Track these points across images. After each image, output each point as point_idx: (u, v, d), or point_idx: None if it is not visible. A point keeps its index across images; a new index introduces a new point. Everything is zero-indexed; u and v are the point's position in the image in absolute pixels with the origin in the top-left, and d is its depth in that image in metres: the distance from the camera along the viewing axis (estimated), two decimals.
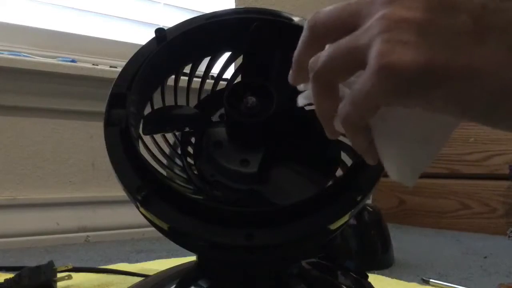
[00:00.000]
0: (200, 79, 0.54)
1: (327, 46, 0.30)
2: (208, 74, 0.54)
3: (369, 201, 0.94)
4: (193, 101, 0.54)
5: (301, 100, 0.36)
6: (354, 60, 0.27)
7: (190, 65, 0.53)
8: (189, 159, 0.50)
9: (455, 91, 0.25)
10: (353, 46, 0.27)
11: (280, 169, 0.46)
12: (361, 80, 0.26)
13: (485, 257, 0.99)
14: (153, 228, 0.43)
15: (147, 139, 0.48)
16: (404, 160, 0.28)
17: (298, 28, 0.52)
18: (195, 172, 0.49)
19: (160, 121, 0.49)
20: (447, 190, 1.46)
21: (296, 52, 0.33)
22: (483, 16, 0.25)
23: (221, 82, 0.55)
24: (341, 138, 0.49)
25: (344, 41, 0.28)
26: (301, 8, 1.64)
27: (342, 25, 0.29)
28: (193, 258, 0.50)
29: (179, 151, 0.51)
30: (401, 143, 0.28)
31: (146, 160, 0.43)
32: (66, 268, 0.66)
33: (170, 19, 1.36)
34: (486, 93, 0.25)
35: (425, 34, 0.25)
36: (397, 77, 0.25)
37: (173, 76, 0.52)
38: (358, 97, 0.27)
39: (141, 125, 0.47)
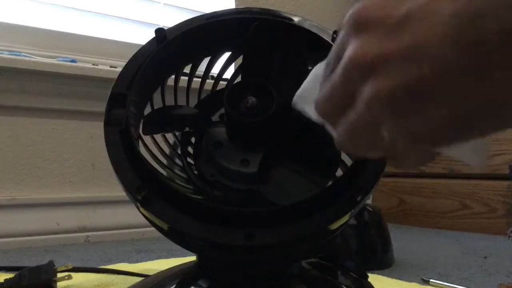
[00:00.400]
0: (200, 79, 0.54)
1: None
2: (208, 74, 0.54)
3: (369, 201, 0.94)
4: (193, 101, 0.54)
5: (300, 105, 0.35)
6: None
7: (190, 65, 0.53)
8: (189, 159, 0.50)
9: None
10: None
11: (280, 169, 0.46)
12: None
13: (485, 257, 0.99)
14: (153, 228, 0.43)
15: (147, 139, 0.48)
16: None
17: (298, 28, 0.52)
18: (195, 172, 0.49)
19: (160, 121, 0.49)
20: (447, 190, 1.46)
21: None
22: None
23: (221, 82, 0.55)
24: None
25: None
26: (301, 8, 1.64)
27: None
28: (193, 258, 0.50)
29: (179, 151, 0.51)
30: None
31: (146, 160, 0.43)
32: (66, 268, 0.66)
33: (170, 19, 1.36)
34: None
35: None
36: None
37: (173, 76, 0.52)
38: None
39: (141, 125, 0.47)
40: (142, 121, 0.48)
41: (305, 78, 0.50)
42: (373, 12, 0.26)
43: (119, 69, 0.48)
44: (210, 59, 0.54)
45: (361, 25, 0.27)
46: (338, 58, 0.29)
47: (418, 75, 0.24)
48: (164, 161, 0.51)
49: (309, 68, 0.52)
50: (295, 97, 0.37)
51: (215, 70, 0.56)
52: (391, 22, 0.25)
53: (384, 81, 0.25)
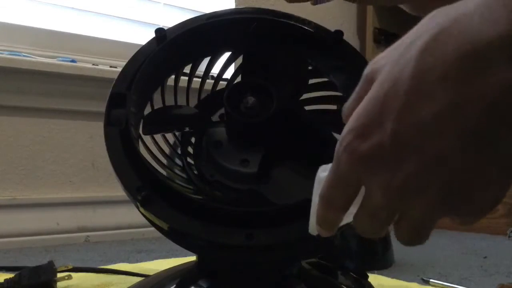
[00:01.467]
0: (200, 79, 0.54)
1: None
2: (208, 74, 0.54)
3: None
4: (193, 101, 0.54)
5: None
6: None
7: (190, 65, 0.53)
8: (189, 159, 0.50)
9: None
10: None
11: (280, 169, 0.46)
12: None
13: (485, 257, 0.99)
14: (153, 228, 0.43)
15: (147, 139, 0.48)
16: None
17: (298, 28, 0.52)
18: (195, 172, 0.49)
19: (160, 121, 0.49)
20: None
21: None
22: None
23: (221, 82, 0.55)
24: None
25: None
26: (301, 8, 1.64)
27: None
28: (193, 258, 0.50)
29: (179, 151, 0.51)
30: None
31: (146, 160, 0.43)
32: (66, 268, 0.66)
33: (170, 19, 1.36)
34: None
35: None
36: None
37: (173, 76, 0.52)
38: None
39: (141, 125, 0.47)
40: (142, 121, 0.48)
41: (304, 78, 0.50)
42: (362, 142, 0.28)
43: (119, 69, 0.48)
44: (210, 59, 0.54)
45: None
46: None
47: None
48: (164, 161, 0.51)
49: (309, 68, 0.52)
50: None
51: (215, 70, 0.56)
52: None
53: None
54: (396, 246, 0.93)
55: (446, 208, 0.27)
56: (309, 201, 0.40)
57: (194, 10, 1.43)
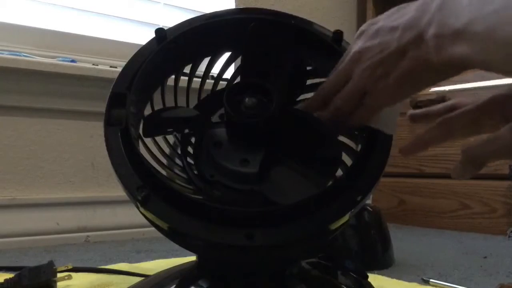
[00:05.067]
0: (200, 79, 0.54)
1: None
2: (208, 74, 0.54)
3: (369, 201, 0.94)
4: (193, 101, 0.54)
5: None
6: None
7: (190, 65, 0.53)
8: (189, 159, 0.50)
9: None
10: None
11: (280, 169, 0.46)
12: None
13: (485, 257, 0.99)
14: (153, 228, 0.43)
15: (147, 139, 0.48)
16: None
17: (297, 28, 0.52)
18: (195, 172, 0.49)
19: (160, 124, 0.49)
20: (447, 190, 1.46)
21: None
22: None
23: (221, 82, 0.55)
24: (341, 138, 0.49)
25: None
26: (301, 8, 1.64)
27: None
28: (193, 258, 0.50)
29: (179, 151, 0.51)
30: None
31: (146, 160, 0.43)
32: (66, 268, 0.66)
33: (170, 19, 1.36)
34: None
35: None
36: None
37: (173, 76, 0.52)
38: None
39: (141, 126, 0.47)
40: (142, 121, 0.48)
41: (304, 78, 0.50)
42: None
43: (119, 69, 0.48)
44: (210, 59, 0.54)
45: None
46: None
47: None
48: (164, 161, 0.51)
49: (309, 68, 0.52)
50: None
51: (215, 70, 0.56)
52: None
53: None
54: (396, 246, 0.93)
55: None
56: (308, 201, 0.40)
57: (194, 10, 1.43)
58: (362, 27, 0.44)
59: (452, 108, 0.51)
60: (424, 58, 0.38)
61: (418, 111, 0.56)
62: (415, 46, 0.39)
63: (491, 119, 0.48)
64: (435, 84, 0.41)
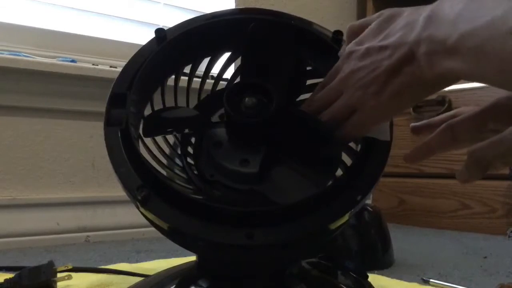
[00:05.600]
0: (200, 79, 0.54)
1: None
2: (208, 74, 0.54)
3: (369, 201, 0.94)
4: (193, 101, 0.54)
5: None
6: None
7: (190, 65, 0.53)
8: (189, 159, 0.50)
9: None
10: None
11: (280, 169, 0.46)
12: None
13: (485, 257, 0.99)
14: (153, 228, 0.43)
15: (147, 139, 0.48)
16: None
17: (297, 28, 0.52)
18: (195, 172, 0.49)
19: (160, 124, 0.49)
20: (447, 190, 1.46)
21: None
22: None
23: (221, 82, 0.55)
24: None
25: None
26: (301, 8, 1.64)
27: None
28: (193, 258, 0.50)
29: (179, 151, 0.51)
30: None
31: (146, 160, 0.43)
32: (66, 268, 0.66)
33: (170, 19, 1.36)
34: None
35: None
36: None
37: (173, 76, 0.52)
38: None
39: (141, 126, 0.47)
40: (142, 121, 0.48)
41: (304, 78, 0.50)
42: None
43: (119, 69, 0.48)
44: (210, 59, 0.54)
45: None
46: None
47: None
48: (164, 161, 0.51)
49: (309, 68, 0.52)
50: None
51: (215, 70, 0.56)
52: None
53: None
54: (396, 246, 0.93)
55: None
56: (308, 201, 0.40)
57: (194, 10, 1.43)
58: (348, 48, 0.44)
59: (454, 117, 0.51)
60: (417, 74, 0.39)
61: (419, 123, 0.56)
62: (408, 63, 0.39)
63: (496, 123, 0.48)
64: (427, 97, 0.41)
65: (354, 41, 0.44)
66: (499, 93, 0.47)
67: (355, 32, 0.46)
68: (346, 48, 0.45)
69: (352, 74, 0.42)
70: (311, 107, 0.46)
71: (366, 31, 0.43)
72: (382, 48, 0.40)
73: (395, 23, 0.41)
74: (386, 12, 0.43)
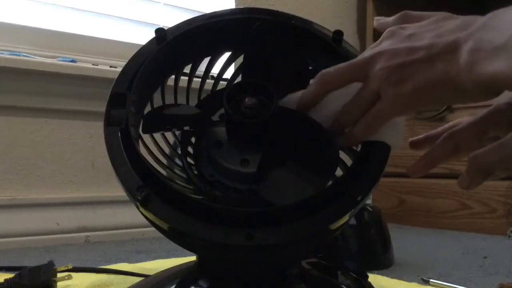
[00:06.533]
0: (200, 79, 0.54)
1: None
2: (208, 74, 0.54)
3: (369, 201, 0.94)
4: (193, 101, 0.54)
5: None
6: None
7: (190, 65, 0.53)
8: (189, 159, 0.50)
9: None
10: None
11: (280, 169, 0.46)
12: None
13: (485, 257, 0.99)
14: (153, 228, 0.43)
15: (147, 139, 0.48)
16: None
17: (298, 29, 0.52)
18: (195, 172, 0.49)
19: (160, 120, 0.49)
20: (447, 190, 1.46)
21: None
22: None
23: (221, 82, 0.55)
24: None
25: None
26: (301, 8, 1.64)
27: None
28: (193, 258, 0.50)
29: (179, 151, 0.51)
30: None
31: (146, 160, 0.43)
32: (66, 268, 0.66)
33: (170, 19, 1.36)
34: None
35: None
36: None
37: (173, 76, 0.52)
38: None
39: (141, 127, 0.47)
40: (142, 120, 0.48)
41: (304, 79, 0.50)
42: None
43: (119, 69, 0.48)
44: (210, 59, 0.54)
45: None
46: None
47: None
48: (164, 161, 0.51)
49: (309, 68, 0.52)
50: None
51: (215, 70, 0.56)
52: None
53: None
54: (396, 246, 0.93)
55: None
56: (308, 201, 0.40)
57: (194, 10, 1.43)
58: (391, 28, 0.41)
59: (453, 127, 0.50)
60: (452, 74, 0.36)
61: (418, 137, 0.54)
62: (446, 59, 0.36)
63: (496, 129, 0.48)
64: (453, 104, 0.39)
65: (401, 25, 0.41)
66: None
67: (408, 20, 0.43)
68: (389, 28, 0.41)
69: (382, 53, 0.39)
70: (324, 80, 0.43)
71: (421, 22, 0.40)
72: (425, 37, 0.37)
73: (452, 20, 0.38)
74: (444, 13, 0.40)
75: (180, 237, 0.42)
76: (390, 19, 0.46)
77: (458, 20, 0.38)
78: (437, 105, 0.40)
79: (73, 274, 0.66)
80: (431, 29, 0.38)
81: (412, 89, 0.38)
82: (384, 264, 0.88)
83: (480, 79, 0.34)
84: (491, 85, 0.34)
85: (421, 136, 0.54)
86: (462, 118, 0.51)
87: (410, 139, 0.54)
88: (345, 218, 0.42)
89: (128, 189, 0.41)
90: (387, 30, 0.41)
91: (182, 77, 0.52)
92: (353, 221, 0.85)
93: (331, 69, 0.43)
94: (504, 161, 0.42)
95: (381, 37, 0.42)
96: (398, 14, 0.45)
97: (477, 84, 0.34)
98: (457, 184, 0.46)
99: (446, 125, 0.51)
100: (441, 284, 0.74)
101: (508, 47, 0.32)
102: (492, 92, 0.35)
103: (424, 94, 0.38)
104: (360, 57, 0.42)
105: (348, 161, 0.47)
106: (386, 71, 0.38)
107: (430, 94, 0.38)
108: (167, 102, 0.51)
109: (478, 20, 0.36)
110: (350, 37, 1.71)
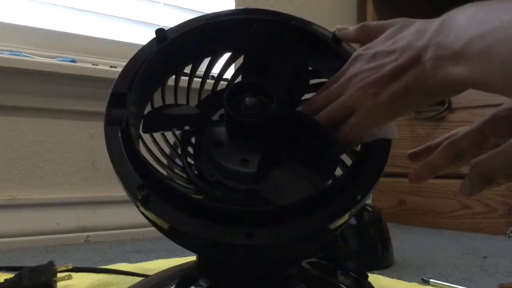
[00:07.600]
0: (200, 79, 0.54)
1: None
2: (209, 74, 0.55)
3: (369, 201, 0.94)
4: (193, 101, 0.54)
5: None
6: None
7: (190, 65, 0.53)
8: (189, 159, 0.50)
9: None
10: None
11: (280, 169, 0.46)
12: None
13: (485, 257, 0.99)
14: (153, 228, 0.43)
15: (147, 139, 0.48)
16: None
17: (298, 29, 0.52)
18: (195, 172, 0.49)
19: (160, 120, 0.49)
20: (447, 190, 1.46)
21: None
22: None
23: (221, 82, 0.55)
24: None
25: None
26: (301, 8, 1.64)
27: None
28: (193, 258, 0.50)
29: (179, 151, 0.51)
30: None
31: (147, 160, 0.43)
32: (66, 268, 0.66)
33: (170, 19, 1.36)
34: None
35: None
36: None
37: (173, 76, 0.52)
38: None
39: (141, 127, 0.48)
40: (142, 119, 0.48)
41: (304, 79, 0.50)
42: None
43: (119, 69, 0.48)
44: (210, 60, 0.54)
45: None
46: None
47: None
48: (164, 161, 0.51)
49: (309, 68, 0.52)
50: None
51: (215, 70, 0.56)
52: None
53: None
54: (396, 246, 0.93)
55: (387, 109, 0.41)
56: (308, 201, 0.40)
57: (194, 10, 1.43)
58: (357, 52, 0.45)
59: (451, 137, 0.50)
60: (420, 79, 0.38)
61: (416, 149, 0.55)
62: (412, 68, 0.39)
63: (496, 136, 0.48)
64: (428, 104, 0.41)
65: (363, 47, 0.44)
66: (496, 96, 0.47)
67: (367, 34, 0.46)
68: (354, 52, 0.45)
69: (355, 76, 0.42)
70: (312, 107, 0.46)
71: (378, 38, 0.43)
72: (389, 53, 0.40)
73: (407, 30, 0.41)
74: (400, 20, 0.43)
75: (180, 237, 0.42)
76: (350, 29, 0.50)
77: (414, 27, 0.40)
78: (412, 108, 0.42)
79: (73, 274, 0.66)
80: (391, 43, 0.41)
81: (387, 100, 0.40)
82: (384, 264, 0.88)
83: (446, 81, 0.37)
84: (457, 86, 0.37)
85: (420, 147, 0.55)
86: (460, 128, 0.51)
87: (409, 152, 0.56)
88: (345, 217, 0.42)
89: (128, 188, 0.41)
90: (352, 56, 0.45)
91: (182, 77, 0.52)
92: (353, 221, 0.85)
93: (316, 97, 0.47)
94: (505, 167, 0.42)
95: (348, 62, 0.45)
96: (357, 25, 0.49)
97: (445, 85, 0.37)
98: (459, 191, 0.47)
99: (446, 135, 0.52)
100: (441, 284, 0.74)
101: (465, 53, 0.34)
102: (461, 90, 0.38)
103: (399, 101, 0.40)
104: (335, 82, 0.45)
105: (348, 160, 0.48)
106: (360, 91, 0.41)
107: (404, 101, 0.40)
108: (167, 102, 0.51)
109: (432, 25, 0.38)
110: None
